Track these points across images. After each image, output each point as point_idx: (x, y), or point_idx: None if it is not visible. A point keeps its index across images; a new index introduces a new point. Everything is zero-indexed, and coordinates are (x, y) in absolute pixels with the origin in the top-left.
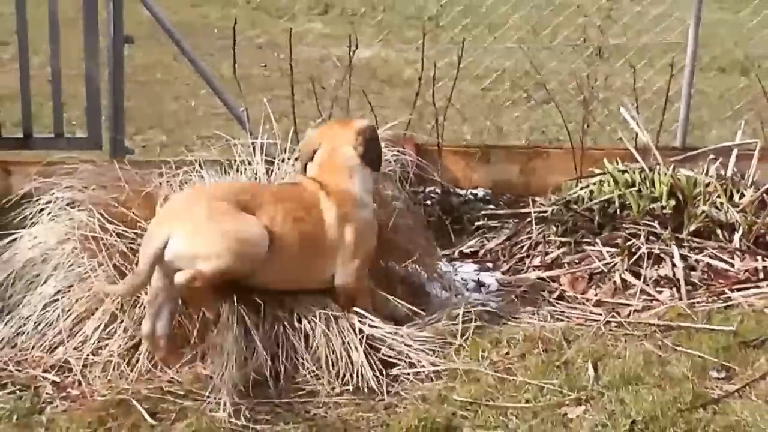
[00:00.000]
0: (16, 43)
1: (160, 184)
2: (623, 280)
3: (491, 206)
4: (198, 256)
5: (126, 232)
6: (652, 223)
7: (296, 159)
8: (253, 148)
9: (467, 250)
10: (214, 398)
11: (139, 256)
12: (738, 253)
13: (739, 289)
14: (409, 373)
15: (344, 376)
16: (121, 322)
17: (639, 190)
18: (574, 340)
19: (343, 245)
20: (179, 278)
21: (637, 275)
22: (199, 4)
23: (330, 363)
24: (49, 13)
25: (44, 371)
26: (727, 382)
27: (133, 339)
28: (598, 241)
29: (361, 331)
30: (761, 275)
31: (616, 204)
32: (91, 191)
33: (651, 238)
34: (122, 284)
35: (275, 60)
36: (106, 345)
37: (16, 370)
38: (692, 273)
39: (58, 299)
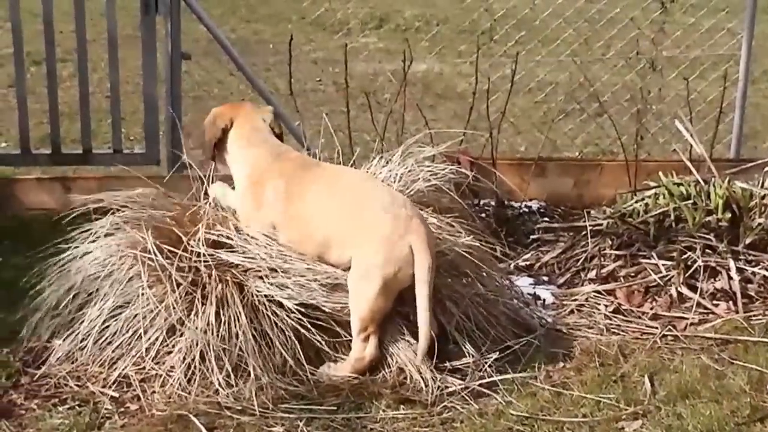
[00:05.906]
0: (76, 61)
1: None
2: (679, 294)
3: (546, 219)
4: None
5: (175, 249)
6: (707, 236)
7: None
8: None
9: (522, 264)
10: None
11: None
12: None
13: None
14: (465, 387)
15: (399, 389)
16: (181, 335)
17: (694, 203)
18: (630, 353)
19: None
20: None
21: (693, 288)
22: (253, 21)
23: (386, 377)
24: (107, 30)
25: (103, 386)
26: None
27: (191, 351)
28: (653, 254)
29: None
30: None
31: (672, 217)
32: (147, 208)
33: (707, 251)
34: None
35: (330, 75)
36: (165, 360)
37: (76, 385)
38: (749, 286)
39: (116, 315)
